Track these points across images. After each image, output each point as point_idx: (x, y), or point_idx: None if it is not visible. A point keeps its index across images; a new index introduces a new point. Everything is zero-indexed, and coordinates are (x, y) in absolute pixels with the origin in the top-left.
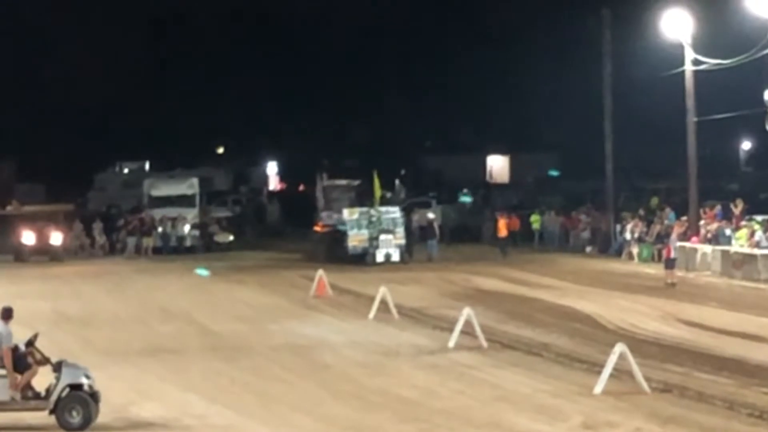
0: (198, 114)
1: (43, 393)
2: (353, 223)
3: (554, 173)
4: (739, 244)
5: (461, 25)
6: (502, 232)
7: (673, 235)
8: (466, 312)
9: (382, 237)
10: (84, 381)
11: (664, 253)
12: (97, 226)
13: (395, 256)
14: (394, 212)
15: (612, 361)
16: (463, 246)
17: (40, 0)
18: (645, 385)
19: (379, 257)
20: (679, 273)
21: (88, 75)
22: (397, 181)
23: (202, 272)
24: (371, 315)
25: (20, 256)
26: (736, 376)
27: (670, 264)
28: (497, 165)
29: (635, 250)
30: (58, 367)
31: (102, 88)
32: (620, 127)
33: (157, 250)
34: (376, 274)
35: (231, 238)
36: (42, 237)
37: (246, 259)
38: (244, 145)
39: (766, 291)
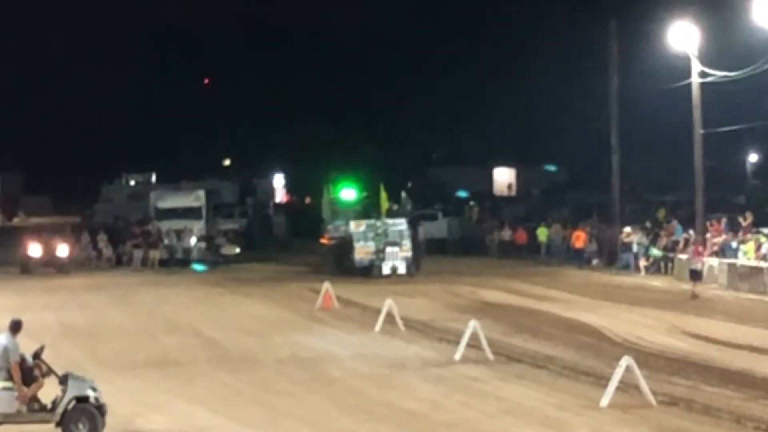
0: (204, 126)
1: (49, 405)
2: (359, 236)
3: (551, 168)
4: (747, 257)
5: (468, 37)
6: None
7: (692, 247)
8: (472, 325)
9: (389, 249)
10: (90, 393)
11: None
12: (102, 239)
13: (401, 269)
14: (401, 224)
15: (618, 374)
16: (469, 258)
17: (46, 15)
18: (651, 398)
19: (386, 270)
20: (684, 286)
21: (94, 88)
22: (403, 194)
23: (199, 267)
24: (377, 327)
25: (27, 268)
26: (742, 389)
27: (691, 275)
28: (503, 177)
29: (642, 263)
30: (64, 380)
31: (108, 100)
32: (627, 139)
33: (163, 263)
34: (382, 287)
35: (237, 250)
36: (48, 249)
37: (252, 271)
38: (250, 157)
39: None
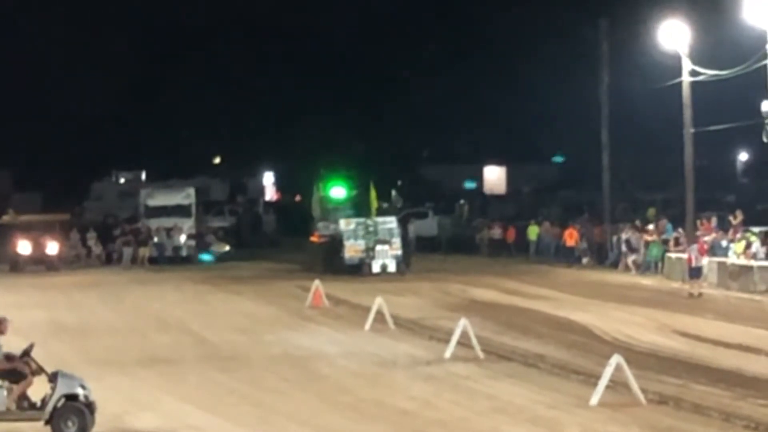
0: (195, 124)
1: (38, 403)
2: (349, 234)
3: (558, 159)
4: (737, 255)
5: (459, 35)
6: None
7: (695, 244)
8: (462, 323)
9: (379, 247)
10: (80, 391)
11: (686, 261)
12: (92, 236)
13: (391, 267)
14: (391, 222)
15: (608, 372)
16: (460, 256)
17: (37, 12)
18: (641, 396)
19: (376, 268)
20: (675, 284)
21: (84, 85)
22: (393, 192)
23: (206, 257)
24: (367, 326)
25: (16, 265)
26: (732, 387)
27: (694, 273)
28: (494, 176)
29: (630, 258)
30: (53, 378)
31: (99, 97)
32: (617, 138)
33: (153, 260)
34: (372, 285)
35: (227, 248)
36: (38, 246)
37: (242, 269)
38: (240, 155)
39: (763, 303)
